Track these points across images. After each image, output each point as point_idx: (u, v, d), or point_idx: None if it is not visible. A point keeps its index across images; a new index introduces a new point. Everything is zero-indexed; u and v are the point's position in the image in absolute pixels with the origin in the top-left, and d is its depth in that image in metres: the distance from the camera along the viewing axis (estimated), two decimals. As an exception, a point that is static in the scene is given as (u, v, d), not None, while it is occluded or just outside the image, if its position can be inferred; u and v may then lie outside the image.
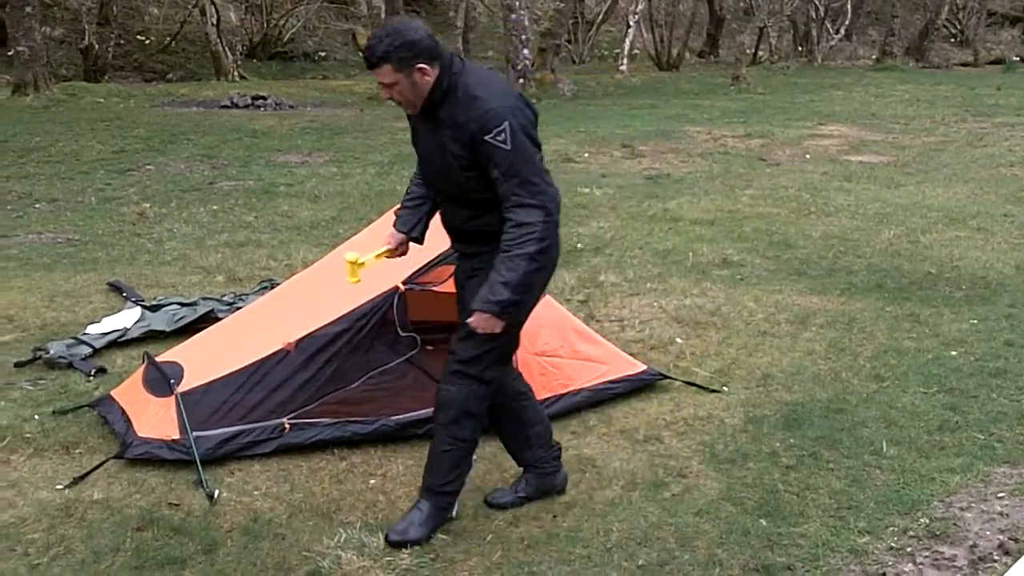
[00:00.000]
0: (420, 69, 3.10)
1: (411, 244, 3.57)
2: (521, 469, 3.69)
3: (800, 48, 26.66)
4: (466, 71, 3.18)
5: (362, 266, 3.46)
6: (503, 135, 3.05)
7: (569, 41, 24.46)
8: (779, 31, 26.53)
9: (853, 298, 6.06)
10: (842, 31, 27.43)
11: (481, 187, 3.18)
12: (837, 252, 7.15)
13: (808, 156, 11.60)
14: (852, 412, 4.41)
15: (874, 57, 25.96)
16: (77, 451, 4.00)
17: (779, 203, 8.88)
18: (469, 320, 3.18)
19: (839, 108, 16.31)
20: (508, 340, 3.32)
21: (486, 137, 3.07)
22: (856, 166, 10.95)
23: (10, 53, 16.44)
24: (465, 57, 3.42)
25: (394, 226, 3.54)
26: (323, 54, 24.29)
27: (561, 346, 4.45)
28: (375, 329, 4.06)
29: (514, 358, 3.58)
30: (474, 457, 3.53)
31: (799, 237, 7.58)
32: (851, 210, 8.59)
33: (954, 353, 5.14)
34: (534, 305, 3.36)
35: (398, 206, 3.61)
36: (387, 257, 3.53)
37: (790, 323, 5.59)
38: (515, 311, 3.18)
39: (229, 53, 20.46)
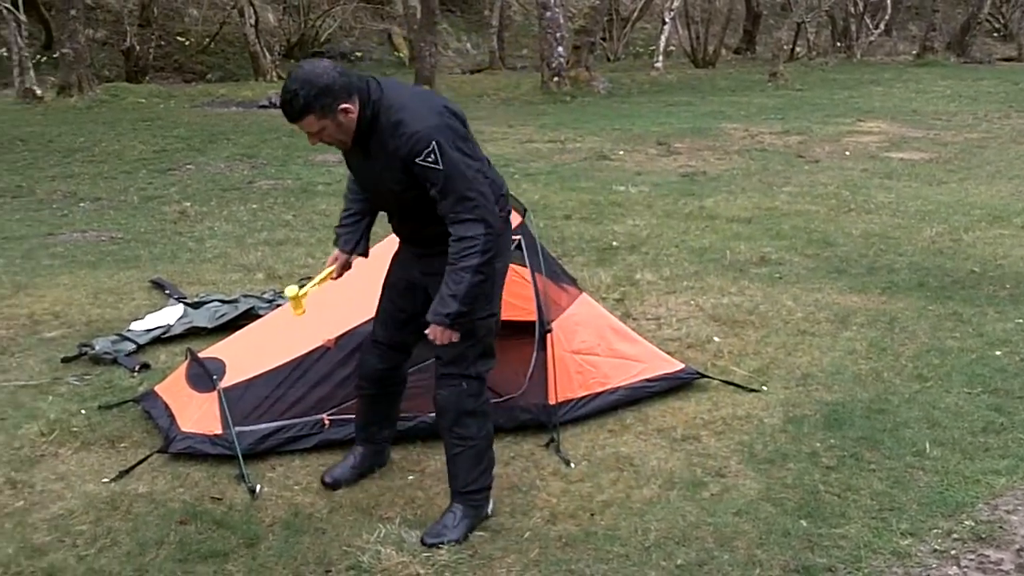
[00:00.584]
0: (343, 110, 3.08)
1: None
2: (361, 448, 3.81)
3: (838, 44, 26.38)
4: (385, 95, 3.14)
5: (305, 296, 3.50)
6: (433, 156, 3.06)
7: (604, 38, 24.40)
8: (817, 27, 26.27)
9: (894, 297, 6.00)
10: (882, 26, 27.09)
11: (424, 204, 3.20)
12: (878, 250, 7.08)
13: (847, 153, 11.49)
14: (894, 412, 4.37)
15: (914, 52, 25.61)
16: (122, 445, 4.07)
17: (818, 200, 8.80)
18: (427, 332, 3.25)
19: (879, 104, 16.12)
20: (487, 334, 3.37)
21: (417, 160, 3.07)
22: (897, 163, 10.83)
23: (55, 55, 16.70)
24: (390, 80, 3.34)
25: (336, 246, 3.54)
26: (359, 54, 24.40)
27: (598, 344, 4.45)
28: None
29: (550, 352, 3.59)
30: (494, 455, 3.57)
31: (839, 235, 7.51)
32: (892, 208, 8.50)
33: (999, 353, 5.07)
34: (500, 296, 3.42)
35: (341, 224, 3.57)
36: (332, 279, 3.54)
37: (830, 322, 5.54)
38: (465, 320, 3.21)
39: (267, 53, 20.63)
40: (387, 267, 3.65)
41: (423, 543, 3.36)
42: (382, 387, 3.69)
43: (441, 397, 3.40)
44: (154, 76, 20.20)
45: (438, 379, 3.40)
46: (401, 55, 24.18)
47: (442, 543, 3.34)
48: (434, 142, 3.06)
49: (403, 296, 3.52)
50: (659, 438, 4.14)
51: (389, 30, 25.58)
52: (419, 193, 3.17)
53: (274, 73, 19.92)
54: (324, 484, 3.73)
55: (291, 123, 3.12)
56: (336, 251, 3.53)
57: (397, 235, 3.52)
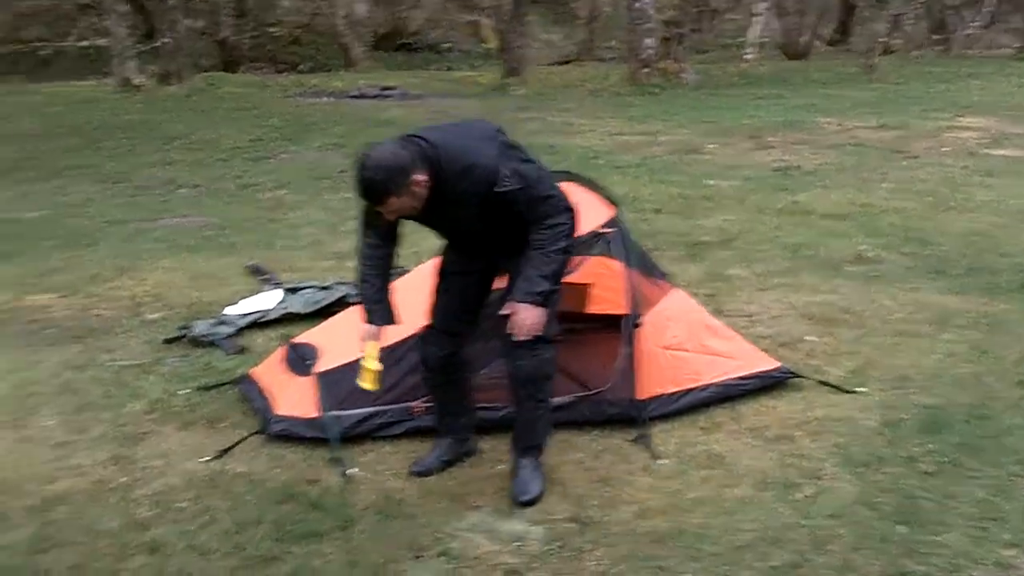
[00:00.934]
0: (416, 182, 3.24)
1: None
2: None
3: (936, 36, 25.57)
4: (440, 148, 3.29)
5: (380, 371, 3.59)
6: (508, 180, 3.29)
7: (694, 30, 24.09)
8: (914, 18, 25.51)
9: (996, 299, 5.80)
10: (980, 19, 26.17)
11: (502, 224, 3.41)
12: (979, 250, 6.86)
13: (946, 149, 11.14)
14: (996, 419, 4.22)
15: (1016, 45, 24.68)
16: (221, 425, 4.18)
17: (916, 197, 8.56)
18: (509, 310, 3.41)
19: (978, 99, 15.58)
20: (557, 303, 3.52)
21: (496, 190, 3.29)
22: (997, 160, 10.45)
23: (155, 45, 17.20)
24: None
25: (372, 323, 3.58)
26: (447, 45, 24.59)
27: (690, 340, 4.41)
28: (501, 317, 4.10)
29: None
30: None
31: (937, 234, 7.30)
32: (993, 206, 8.22)
33: (1108, 359, 4.87)
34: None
35: (372, 300, 3.58)
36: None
37: (929, 323, 5.39)
38: (553, 297, 3.44)
39: (357, 44, 20.92)
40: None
41: (519, 503, 3.52)
42: (445, 374, 3.78)
43: (522, 367, 3.53)
44: (249, 66, 20.67)
45: (514, 349, 3.49)
46: (489, 46, 24.27)
47: (534, 496, 3.55)
48: (505, 168, 3.29)
49: (462, 283, 3.68)
50: (751, 437, 4.08)
51: (477, 21, 25.69)
52: (496, 218, 3.39)
53: (364, 64, 20.19)
54: (413, 474, 3.78)
55: (374, 206, 3.32)
56: (372, 327, 3.59)
57: (471, 255, 3.67)
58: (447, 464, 3.83)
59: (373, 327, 3.57)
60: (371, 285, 3.58)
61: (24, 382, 4.70)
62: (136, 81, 16.02)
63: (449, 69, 21.73)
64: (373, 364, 3.54)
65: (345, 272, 6.32)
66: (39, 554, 3.28)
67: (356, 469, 3.77)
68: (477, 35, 25.38)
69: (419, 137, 3.32)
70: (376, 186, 3.21)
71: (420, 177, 3.24)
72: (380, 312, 3.58)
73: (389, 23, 24.02)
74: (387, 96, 15.87)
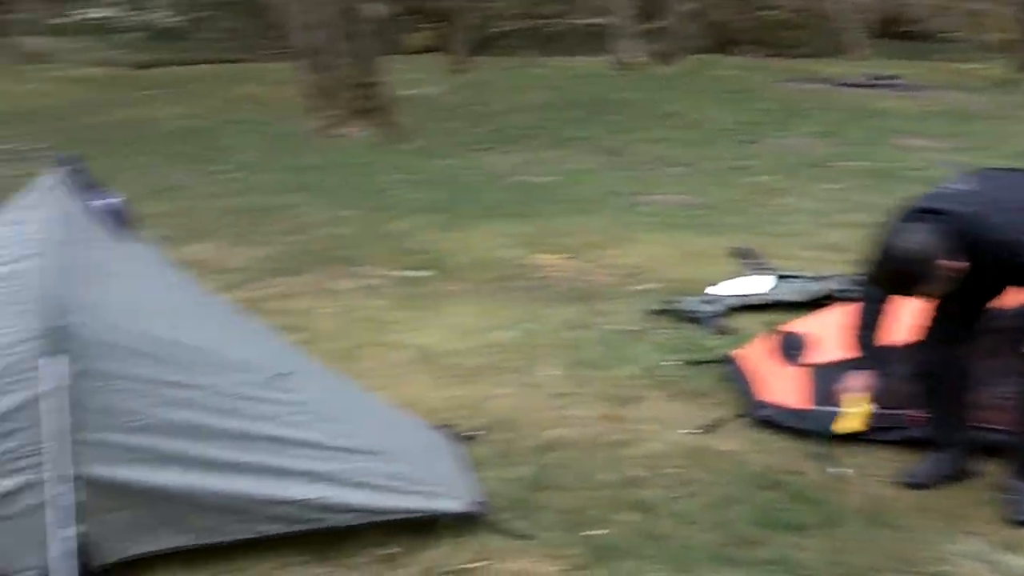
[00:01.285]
0: (944, 267, 3.13)
1: None
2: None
3: None
4: (967, 225, 3.15)
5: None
6: None
7: None
8: None
9: None
10: None
11: None
12: None
13: None
14: None
15: None
16: (705, 401, 4.28)
17: None
18: None
19: None
20: None
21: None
22: None
23: (655, 26, 17.92)
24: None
25: (864, 366, 3.48)
26: (950, 34, 22.73)
27: None
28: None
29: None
30: None
31: None
32: None
33: None
34: None
35: (866, 348, 3.48)
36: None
37: None
38: None
39: (854, 30, 20.12)
40: None
41: (1018, 522, 3.30)
42: (943, 383, 3.58)
43: None
44: (740, 49, 20.75)
45: None
46: (996, 37, 22.02)
47: None
48: None
49: (965, 290, 3.39)
50: None
51: (987, 11, 23.41)
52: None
53: (861, 51, 19.36)
54: (905, 485, 3.60)
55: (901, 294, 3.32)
56: (861, 380, 3.48)
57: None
58: (943, 480, 3.61)
59: (862, 380, 3.49)
60: (871, 332, 3.49)
61: (530, 333, 5.18)
62: (632, 60, 16.83)
63: (953, 60, 20.07)
64: (860, 407, 3.53)
65: (830, 265, 6.15)
66: (539, 492, 3.56)
67: (850, 470, 3.66)
68: (981, 24, 23.14)
69: (945, 211, 3.20)
70: (903, 278, 3.21)
71: (950, 264, 3.14)
72: (874, 360, 3.49)
73: (890, 9, 22.73)
74: (883, 86, 15.05)
